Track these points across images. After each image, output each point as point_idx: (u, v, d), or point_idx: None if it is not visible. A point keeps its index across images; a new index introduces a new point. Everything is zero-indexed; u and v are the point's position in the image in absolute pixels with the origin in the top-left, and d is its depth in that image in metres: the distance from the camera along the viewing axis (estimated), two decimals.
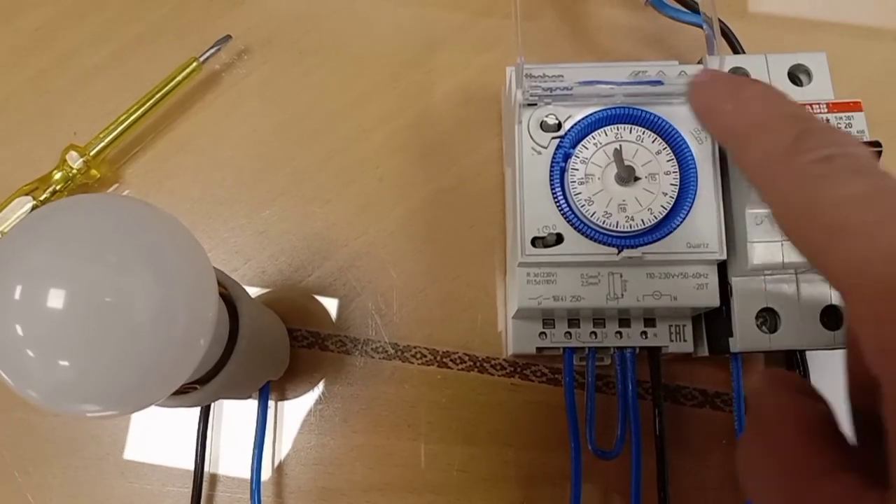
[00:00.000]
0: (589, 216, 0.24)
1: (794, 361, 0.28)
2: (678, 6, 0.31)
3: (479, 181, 0.32)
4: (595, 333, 0.28)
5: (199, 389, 0.23)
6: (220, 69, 0.35)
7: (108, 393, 0.18)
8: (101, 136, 0.32)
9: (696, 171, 0.25)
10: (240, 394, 0.29)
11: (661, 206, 0.24)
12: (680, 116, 0.25)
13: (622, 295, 0.25)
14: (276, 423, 0.30)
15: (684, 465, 0.29)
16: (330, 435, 0.30)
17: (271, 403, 0.30)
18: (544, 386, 0.30)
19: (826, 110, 0.25)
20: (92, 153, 0.32)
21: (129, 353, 0.17)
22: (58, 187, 0.32)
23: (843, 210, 0.14)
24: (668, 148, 0.25)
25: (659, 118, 0.25)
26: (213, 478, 0.30)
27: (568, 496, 0.28)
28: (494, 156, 0.33)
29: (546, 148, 0.25)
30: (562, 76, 0.25)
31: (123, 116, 0.32)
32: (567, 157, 0.25)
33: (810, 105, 0.25)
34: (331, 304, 0.32)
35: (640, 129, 0.25)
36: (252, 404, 0.30)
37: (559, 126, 0.25)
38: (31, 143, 0.34)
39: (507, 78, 0.28)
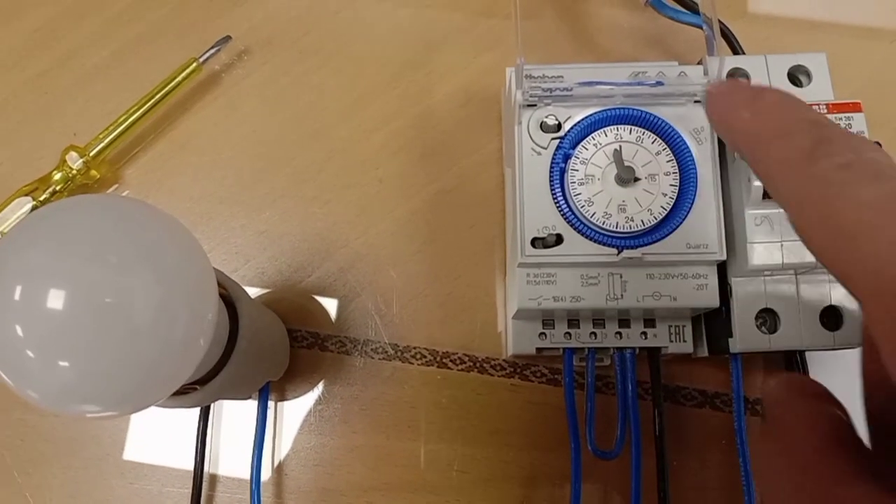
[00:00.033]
0: (589, 217, 0.24)
1: (793, 362, 0.28)
2: (678, 7, 0.31)
3: (480, 182, 0.32)
4: (595, 334, 0.28)
5: (199, 390, 0.23)
6: (220, 69, 0.35)
7: (108, 393, 0.18)
8: (101, 136, 0.32)
9: (696, 172, 0.25)
10: (240, 394, 0.29)
11: (661, 206, 0.24)
12: (680, 117, 0.25)
13: (622, 295, 0.25)
14: (275, 423, 0.30)
15: (684, 465, 0.29)
16: (330, 435, 0.30)
17: (271, 404, 0.30)
18: (544, 386, 0.30)
19: (826, 111, 0.25)
20: (92, 154, 0.32)
21: (129, 354, 0.17)
22: (58, 188, 0.32)
23: (862, 214, 0.14)
24: (667, 149, 0.25)
25: (659, 119, 0.25)
26: (213, 478, 0.30)
27: (568, 496, 0.28)
28: (494, 156, 0.33)
29: (546, 148, 0.25)
30: (562, 77, 0.25)
31: (123, 117, 0.32)
32: (567, 157, 0.25)
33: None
34: (331, 305, 0.32)
35: (639, 129, 0.25)
36: (252, 405, 0.30)
37: (559, 127, 0.25)
38: (31, 143, 0.34)
39: (507, 78, 0.28)
